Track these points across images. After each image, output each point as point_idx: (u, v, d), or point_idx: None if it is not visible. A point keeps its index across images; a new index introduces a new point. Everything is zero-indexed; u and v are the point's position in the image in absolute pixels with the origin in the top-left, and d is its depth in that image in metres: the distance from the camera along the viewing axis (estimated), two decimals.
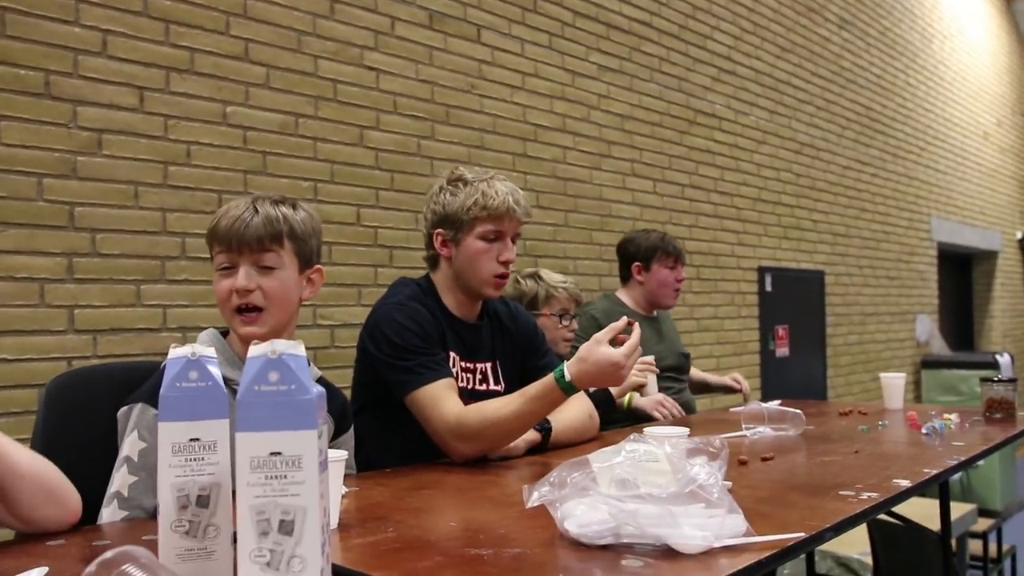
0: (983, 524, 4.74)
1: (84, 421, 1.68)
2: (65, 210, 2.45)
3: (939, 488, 2.41)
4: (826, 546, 3.89)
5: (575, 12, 4.13)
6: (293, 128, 2.98)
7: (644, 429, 1.54)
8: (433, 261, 2.06)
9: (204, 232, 2.66)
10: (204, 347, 1.02)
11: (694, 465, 1.03)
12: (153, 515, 1.43)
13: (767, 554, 1.04)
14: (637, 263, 3.16)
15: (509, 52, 3.78)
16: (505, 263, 1.98)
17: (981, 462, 5.57)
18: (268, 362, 0.85)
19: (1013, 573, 5.02)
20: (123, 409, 1.56)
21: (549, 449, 1.95)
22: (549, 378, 1.75)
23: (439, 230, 2.00)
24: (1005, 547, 4.95)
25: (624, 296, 3.21)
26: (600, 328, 2.94)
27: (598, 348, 1.73)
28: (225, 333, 1.71)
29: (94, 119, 2.51)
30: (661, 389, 2.75)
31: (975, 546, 4.78)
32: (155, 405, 1.49)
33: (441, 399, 1.81)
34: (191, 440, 1.00)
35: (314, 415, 0.85)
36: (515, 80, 3.81)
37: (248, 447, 0.84)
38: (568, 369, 1.73)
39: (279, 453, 0.84)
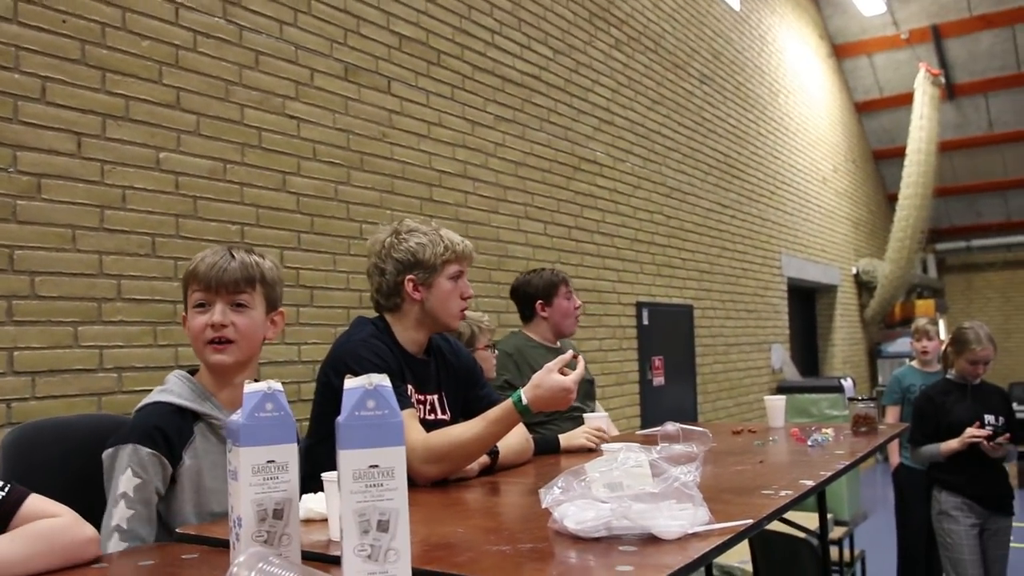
0: (837, 532, 5.28)
1: (46, 473, 1.76)
2: (5, 253, 2.49)
3: (817, 497, 2.80)
4: None
5: (474, 66, 4.43)
6: (221, 174, 3.11)
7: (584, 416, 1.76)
8: (395, 305, 2.23)
9: (139, 274, 2.78)
10: (275, 382, 1.21)
11: (675, 466, 1.30)
12: (150, 544, 1.59)
13: (728, 536, 1.31)
14: (539, 301, 3.36)
15: (416, 103, 4.02)
16: (467, 298, 2.21)
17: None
18: (367, 392, 1.05)
19: (863, 573, 5.60)
20: (108, 451, 1.69)
21: (496, 471, 2.18)
22: (508, 403, 2.00)
23: (411, 276, 2.19)
24: (856, 552, 5.52)
25: (530, 332, 3.45)
26: (514, 364, 3.21)
27: (550, 376, 1.98)
28: (192, 372, 1.86)
29: (33, 164, 2.57)
30: (575, 416, 3.02)
31: (831, 552, 5.32)
32: (146, 444, 1.65)
33: (407, 427, 2.01)
34: (268, 462, 1.18)
35: (401, 434, 1.07)
36: (422, 129, 4.05)
37: (351, 461, 1.05)
38: (524, 395, 1.98)
39: (376, 466, 1.05)
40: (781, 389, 8.08)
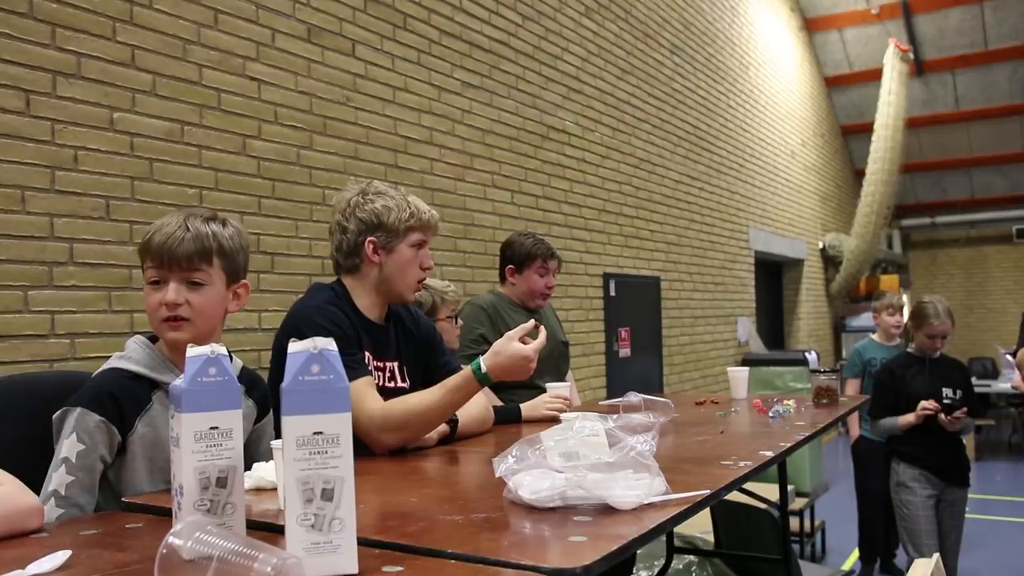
0: (799, 503, 5.34)
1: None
2: None
3: (778, 467, 2.81)
4: None
5: (441, 31, 4.35)
6: (179, 136, 3.02)
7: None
8: (354, 267, 2.19)
9: (93, 237, 2.70)
10: (219, 346, 1.16)
11: (631, 435, 1.28)
12: (94, 513, 1.54)
13: (685, 507, 1.30)
14: (510, 266, 3.29)
15: (381, 67, 3.94)
16: (426, 269, 2.17)
17: None
18: (311, 356, 1.02)
19: (823, 543, 5.68)
20: (58, 413, 1.64)
21: (455, 439, 2.15)
22: (467, 371, 1.97)
23: (372, 237, 2.14)
24: (817, 523, 5.60)
25: (506, 292, 3.36)
26: (488, 318, 3.17)
27: (510, 344, 1.96)
28: (153, 339, 1.80)
29: None
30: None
31: (792, 523, 5.39)
32: (95, 410, 1.60)
33: (364, 395, 1.97)
34: (211, 428, 1.14)
35: (348, 400, 1.03)
36: (387, 94, 3.97)
37: (294, 428, 1.01)
38: (484, 362, 1.96)
39: (321, 432, 1.01)
40: (747, 361, 8.15)
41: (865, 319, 11.32)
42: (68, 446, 1.59)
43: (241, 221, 3.21)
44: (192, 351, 1.16)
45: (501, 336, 3.17)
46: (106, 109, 2.80)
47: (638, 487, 1.30)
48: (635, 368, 6.17)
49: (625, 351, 6.05)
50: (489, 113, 4.70)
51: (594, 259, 5.71)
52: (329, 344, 1.03)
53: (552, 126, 5.29)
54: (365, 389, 2.00)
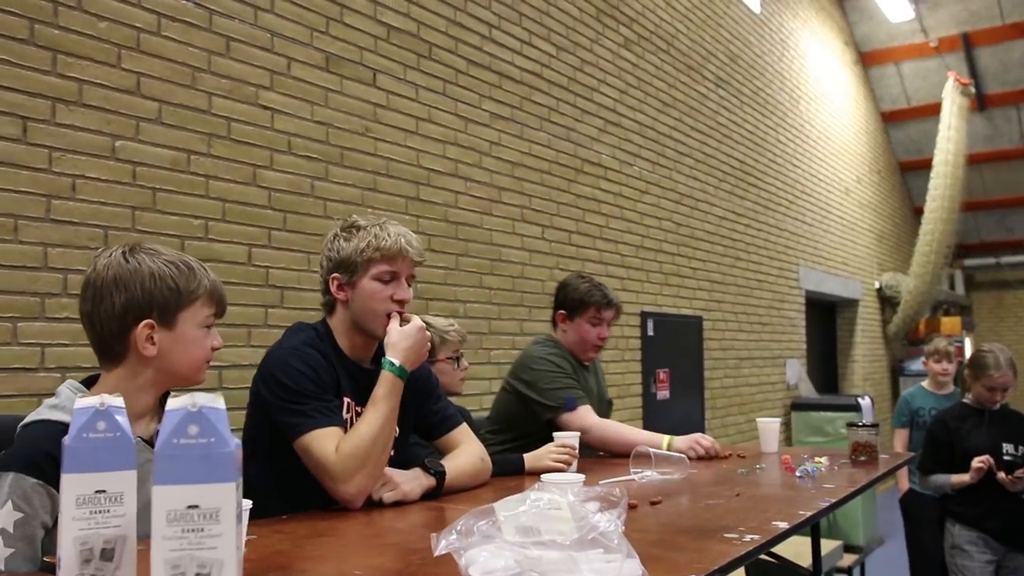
0: (848, 559, 5.01)
1: None
2: None
3: (811, 528, 2.56)
4: None
5: (469, 60, 4.23)
6: (185, 165, 2.93)
7: (542, 476, 1.58)
8: (330, 306, 2.07)
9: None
10: (112, 397, 1.01)
11: (595, 513, 1.09)
12: None
13: None
14: (562, 311, 3.02)
15: (404, 97, 3.83)
16: (400, 302, 2.00)
17: None
18: (188, 415, 0.85)
19: None
20: None
21: (444, 494, 1.97)
22: (384, 372, 1.91)
23: (335, 275, 2.02)
24: None
25: (559, 337, 3.06)
26: (570, 364, 2.90)
27: (399, 328, 1.94)
28: (87, 384, 1.65)
29: None
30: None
31: None
32: (30, 473, 1.42)
33: (326, 444, 1.82)
34: (97, 492, 0.98)
35: (232, 468, 0.86)
36: (409, 124, 3.86)
37: (165, 500, 0.84)
38: (392, 358, 1.91)
39: (196, 506, 0.85)
40: (796, 406, 7.80)
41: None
42: (4, 516, 1.43)
43: (249, 254, 3.12)
44: (80, 402, 1.00)
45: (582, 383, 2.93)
46: (108, 137, 2.72)
47: (608, 572, 1.10)
48: (674, 411, 5.91)
49: (664, 393, 5.80)
50: (519, 145, 4.56)
51: (631, 297, 5.50)
52: (212, 402, 0.86)
53: (587, 159, 5.13)
54: (330, 438, 1.84)
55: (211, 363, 1.66)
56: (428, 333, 2.01)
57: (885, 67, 11.31)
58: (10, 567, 1.40)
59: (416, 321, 1.99)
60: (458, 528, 1.10)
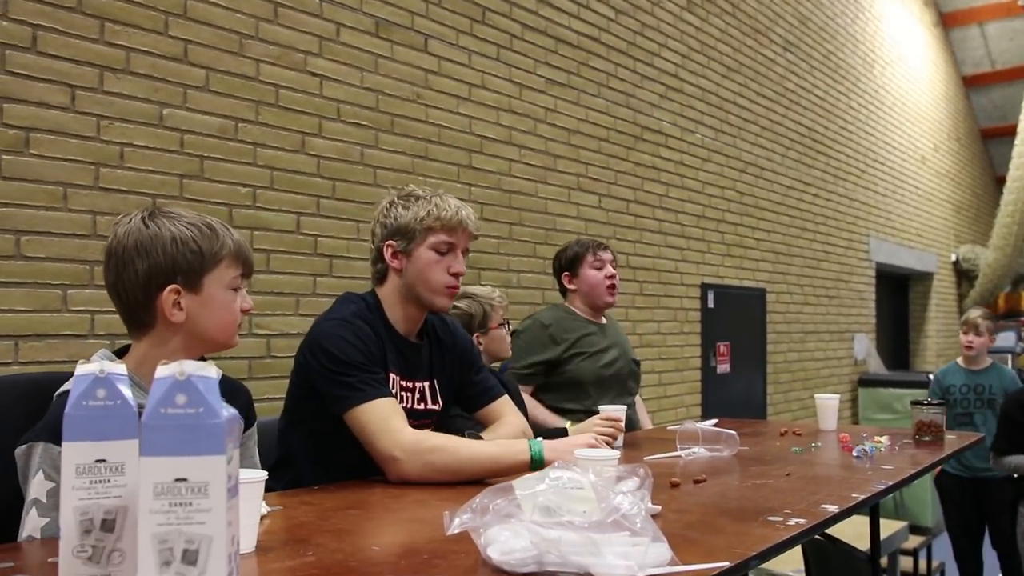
0: (914, 541, 4.84)
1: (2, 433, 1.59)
2: None
3: (870, 509, 2.44)
4: None
5: (524, 25, 4.13)
6: (232, 133, 2.92)
7: (576, 451, 1.52)
8: (381, 275, 2.02)
9: None
10: (114, 364, 0.98)
11: (618, 494, 1.02)
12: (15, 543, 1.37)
13: None
14: (565, 273, 3.13)
15: (456, 63, 3.76)
16: (456, 275, 1.96)
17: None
18: (176, 383, 0.81)
19: None
20: (21, 448, 1.46)
21: None
22: (523, 442, 1.79)
23: (390, 242, 1.97)
24: (934, 563, 5.06)
25: (571, 305, 3.19)
26: (550, 336, 2.93)
27: (582, 442, 1.79)
28: (119, 354, 1.63)
29: (21, 117, 2.42)
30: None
31: (906, 563, 4.88)
32: (57, 443, 1.40)
33: (390, 417, 1.78)
34: (97, 461, 0.95)
35: (223, 440, 0.82)
36: (462, 91, 3.79)
37: (152, 472, 0.80)
38: (542, 447, 1.76)
39: (184, 479, 0.80)
40: (863, 382, 7.57)
41: (1004, 338, 10.39)
42: (36, 486, 1.42)
43: (297, 222, 3.10)
44: (80, 368, 0.97)
45: (564, 349, 2.94)
46: (155, 105, 2.71)
47: (633, 555, 1.03)
48: (735, 385, 5.77)
49: (724, 367, 5.67)
50: (576, 112, 4.45)
51: (691, 268, 5.36)
52: (202, 370, 0.82)
53: (647, 126, 4.99)
54: (392, 411, 1.81)
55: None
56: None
57: (968, 28, 10.78)
58: (46, 536, 1.39)
59: (588, 441, 1.82)
60: (473, 506, 1.04)
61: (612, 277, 3.09)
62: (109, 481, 0.96)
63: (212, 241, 1.51)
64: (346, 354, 1.85)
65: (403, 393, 1.99)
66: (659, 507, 1.40)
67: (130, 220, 1.51)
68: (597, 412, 2.53)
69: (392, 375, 1.95)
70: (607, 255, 3.10)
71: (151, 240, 1.48)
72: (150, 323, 1.53)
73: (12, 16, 2.41)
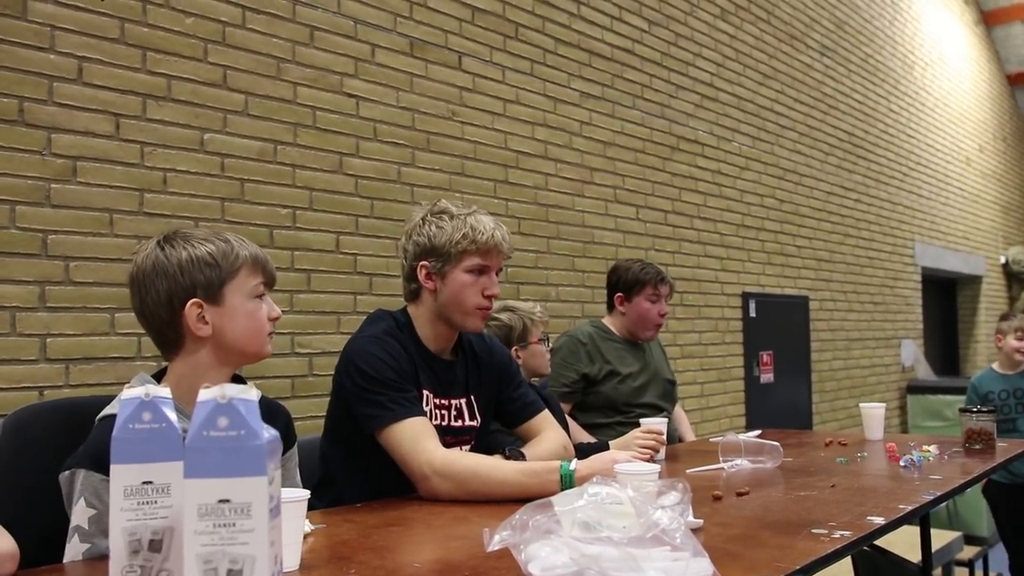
0: (969, 552, 4.72)
1: (43, 455, 1.64)
2: (38, 238, 2.42)
3: (920, 520, 2.40)
4: None
5: (557, 39, 4.15)
6: (271, 155, 2.97)
7: (616, 466, 1.52)
8: (415, 294, 2.03)
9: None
10: (159, 388, 1.00)
11: (657, 508, 1.01)
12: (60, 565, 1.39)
13: None
14: (619, 294, 3.12)
15: (490, 79, 3.79)
16: (490, 297, 1.96)
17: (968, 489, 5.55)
18: (218, 407, 0.83)
19: None
20: (64, 474, 1.48)
21: None
22: (555, 464, 1.74)
23: (424, 262, 1.97)
24: (991, 575, 4.93)
25: (609, 323, 3.19)
26: (588, 354, 2.96)
27: (621, 458, 1.74)
28: (157, 377, 1.67)
29: (69, 146, 2.49)
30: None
31: (961, 575, 4.77)
32: (98, 470, 1.40)
33: (422, 436, 1.79)
34: (144, 483, 0.98)
35: (264, 461, 0.83)
36: (496, 107, 3.81)
37: (196, 494, 0.82)
38: (575, 467, 1.72)
39: (228, 500, 0.82)
40: (912, 389, 7.42)
41: None
42: (78, 513, 1.45)
43: (337, 241, 3.14)
44: (126, 392, 1.00)
45: (599, 367, 2.94)
46: (196, 130, 2.77)
47: (675, 570, 1.03)
48: (779, 394, 5.70)
49: (768, 376, 5.60)
50: (611, 124, 4.45)
51: (731, 277, 5.31)
52: (243, 393, 0.84)
53: (683, 136, 4.97)
54: (423, 430, 1.82)
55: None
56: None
57: (1011, 26, 10.56)
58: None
59: (621, 458, 1.78)
60: (513, 523, 1.04)
61: (662, 316, 3.09)
62: (156, 502, 0.98)
63: (227, 252, 1.55)
64: (377, 370, 1.86)
65: (438, 411, 2.00)
66: (701, 520, 1.39)
67: (147, 247, 1.56)
68: (631, 427, 2.54)
69: (426, 392, 1.96)
70: (664, 290, 3.09)
71: (167, 260, 1.52)
72: (179, 341, 1.56)
73: (58, 49, 2.48)
